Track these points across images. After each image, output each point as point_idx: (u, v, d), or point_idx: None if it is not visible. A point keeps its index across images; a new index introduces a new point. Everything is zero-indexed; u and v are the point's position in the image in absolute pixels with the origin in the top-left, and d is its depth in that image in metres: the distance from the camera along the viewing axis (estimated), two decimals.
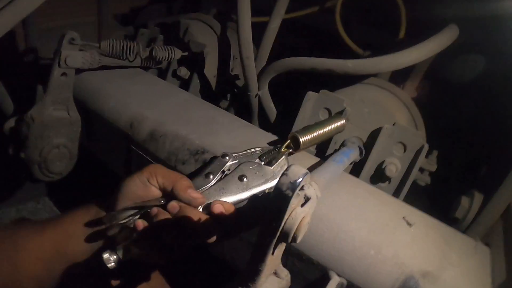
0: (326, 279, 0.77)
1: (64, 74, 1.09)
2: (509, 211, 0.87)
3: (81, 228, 0.75)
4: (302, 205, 0.58)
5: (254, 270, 0.60)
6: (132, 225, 0.69)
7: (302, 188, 0.54)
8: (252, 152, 0.84)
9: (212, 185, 0.76)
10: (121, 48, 1.17)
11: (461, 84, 1.14)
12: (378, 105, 1.02)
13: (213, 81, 1.33)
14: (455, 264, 0.76)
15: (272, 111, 1.12)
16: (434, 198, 1.06)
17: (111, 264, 0.65)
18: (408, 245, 0.77)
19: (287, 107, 1.14)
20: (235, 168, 0.79)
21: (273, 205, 0.53)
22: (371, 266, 0.75)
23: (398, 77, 1.13)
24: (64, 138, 1.17)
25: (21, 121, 1.13)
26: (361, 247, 0.76)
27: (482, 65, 1.06)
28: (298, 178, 0.50)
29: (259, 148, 0.85)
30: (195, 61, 1.30)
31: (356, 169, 1.00)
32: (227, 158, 0.81)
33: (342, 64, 0.93)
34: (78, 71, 1.14)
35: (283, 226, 0.54)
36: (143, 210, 0.71)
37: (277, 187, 0.51)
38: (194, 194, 0.71)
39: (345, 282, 0.76)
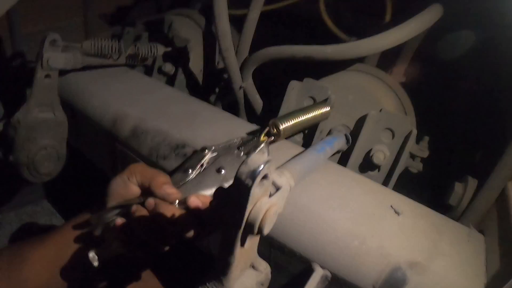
0: (310, 271, 0.74)
1: (47, 76, 1.09)
2: (504, 197, 0.84)
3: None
4: (271, 195, 0.56)
5: (224, 263, 0.58)
6: (113, 224, 0.70)
7: (266, 177, 0.52)
8: (231, 143, 0.82)
9: (190, 179, 0.75)
10: (104, 47, 1.16)
11: (454, 66, 1.11)
12: (364, 91, 1.00)
13: (199, 76, 1.31)
14: (446, 253, 0.74)
15: (258, 102, 1.09)
16: (428, 185, 1.03)
17: (96, 263, 0.66)
18: (395, 235, 0.74)
19: (275, 99, 1.12)
20: (213, 161, 0.78)
21: (234, 196, 0.51)
22: (355, 257, 0.72)
23: (386, 62, 1.10)
24: (51, 139, 1.17)
25: (8, 124, 1.13)
26: (344, 237, 0.73)
27: (472, 40, 1.03)
28: (259, 167, 0.48)
29: (238, 138, 0.83)
30: (179, 57, 1.28)
31: (344, 158, 0.97)
32: (206, 151, 0.80)
33: (321, 50, 0.90)
34: (62, 72, 1.14)
35: (247, 218, 0.52)
36: (124, 209, 0.71)
37: (236, 177, 0.49)
38: (169, 189, 0.70)
39: (329, 274, 0.74)
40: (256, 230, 0.52)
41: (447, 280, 0.69)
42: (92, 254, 0.67)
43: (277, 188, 0.59)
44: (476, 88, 1.12)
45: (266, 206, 0.52)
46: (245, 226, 0.52)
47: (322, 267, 0.74)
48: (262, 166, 0.48)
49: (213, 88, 1.32)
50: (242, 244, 0.57)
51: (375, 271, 0.71)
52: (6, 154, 1.17)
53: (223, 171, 0.76)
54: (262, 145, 0.81)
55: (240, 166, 0.49)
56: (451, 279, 0.70)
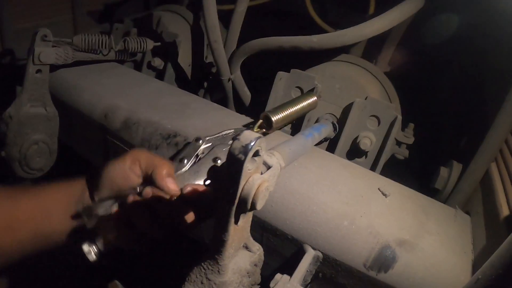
0: (302, 253, 0.76)
1: (38, 71, 1.10)
2: (488, 178, 0.86)
3: (62, 207, 0.73)
4: (262, 174, 0.58)
5: (218, 241, 0.60)
6: (108, 215, 0.68)
7: (258, 154, 0.54)
8: (225, 134, 0.83)
9: (186, 170, 0.75)
10: (94, 42, 1.16)
11: (438, 55, 1.13)
12: (349, 80, 1.02)
13: (188, 70, 1.32)
14: (433, 232, 0.76)
15: (246, 94, 1.11)
16: (414, 171, 1.05)
17: (92, 257, 0.65)
18: (384, 215, 0.77)
19: (263, 91, 1.14)
20: (209, 151, 0.78)
21: (228, 171, 0.52)
22: (345, 237, 0.74)
23: (371, 52, 1.13)
24: (43, 134, 1.17)
25: (0, 120, 1.13)
26: (334, 218, 0.75)
27: (455, 24, 1.05)
28: (250, 142, 0.50)
29: (232, 130, 0.84)
30: (168, 51, 1.29)
31: (332, 146, 1.00)
32: (200, 141, 0.80)
33: (307, 40, 0.92)
34: (53, 67, 1.14)
35: (240, 193, 0.54)
36: (120, 199, 0.69)
37: (230, 152, 0.50)
38: (171, 185, 0.68)
39: (320, 254, 0.76)
40: (249, 205, 0.54)
41: (435, 257, 0.72)
42: (87, 248, 0.65)
43: (268, 167, 0.61)
44: (460, 77, 1.15)
45: (258, 182, 0.54)
46: (238, 201, 0.54)
47: (314, 248, 0.76)
48: (254, 141, 0.50)
49: (201, 82, 1.33)
50: (236, 222, 0.58)
51: (365, 250, 0.73)
52: None
53: (219, 161, 0.76)
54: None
55: (233, 142, 0.50)
56: (440, 256, 0.72)
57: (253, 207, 0.55)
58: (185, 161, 0.76)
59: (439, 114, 1.14)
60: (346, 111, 0.98)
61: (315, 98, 0.92)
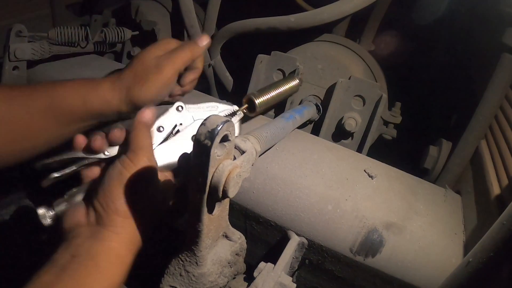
0: (286, 240, 0.74)
1: (15, 68, 1.08)
2: (478, 156, 0.84)
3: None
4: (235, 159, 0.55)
5: (194, 232, 0.58)
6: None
7: (227, 139, 0.51)
8: (207, 107, 0.76)
9: (163, 142, 0.70)
10: (70, 34, 1.13)
11: (425, 33, 1.11)
12: (332, 60, 0.99)
13: None
14: (422, 213, 0.74)
15: (228, 79, 1.08)
16: (403, 151, 1.03)
17: (47, 221, 0.61)
18: (370, 198, 0.74)
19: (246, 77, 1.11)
20: (189, 125, 0.72)
21: (195, 158, 0.50)
22: (329, 221, 0.72)
23: (354, 31, 1.10)
24: None
25: None
26: (317, 203, 0.73)
27: (443, 4, 1.02)
28: (217, 126, 0.47)
29: (216, 105, 0.77)
30: (147, 40, 1.26)
31: (316, 129, 0.97)
32: (181, 110, 0.73)
33: (284, 20, 0.89)
34: (31, 63, 1.11)
35: (210, 181, 0.51)
36: (84, 163, 0.66)
37: (196, 138, 0.48)
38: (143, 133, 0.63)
39: (305, 241, 0.74)
40: (220, 193, 0.52)
41: (425, 239, 0.70)
42: (42, 211, 0.61)
43: (242, 153, 0.59)
44: (447, 54, 1.12)
45: (228, 168, 0.52)
46: (209, 190, 0.52)
47: (298, 234, 0.74)
48: (220, 125, 0.47)
49: None
50: (210, 211, 0.56)
51: (351, 234, 0.71)
52: None
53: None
54: (238, 122, 0.77)
55: (198, 128, 0.48)
56: (429, 238, 0.70)
57: (225, 195, 0.52)
58: (162, 129, 0.71)
59: (427, 92, 1.11)
60: (330, 91, 0.96)
61: (297, 81, 0.90)
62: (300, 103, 0.97)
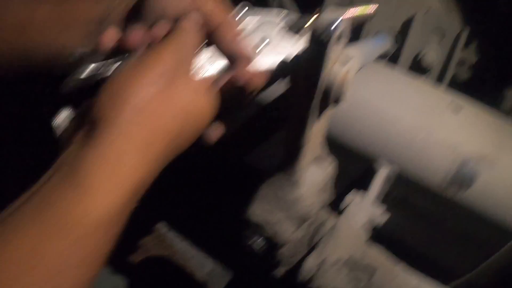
0: (372, 172, 0.69)
1: None
2: None
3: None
4: None
5: (293, 148, 0.53)
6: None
7: (341, 37, 0.46)
8: (275, 12, 0.62)
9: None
10: None
11: None
12: None
13: None
14: None
15: None
16: (477, 93, 0.97)
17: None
18: (460, 128, 0.69)
19: None
20: (257, 27, 0.60)
21: (309, 56, 0.45)
22: (421, 150, 0.67)
23: None
24: None
25: None
26: (408, 131, 0.68)
27: None
28: (335, 21, 0.42)
29: (285, 11, 0.63)
30: None
31: (391, 63, 0.91)
32: (247, 9, 0.61)
33: None
34: None
35: (324, 82, 0.46)
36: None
37: (312, 34, 0.43)
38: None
39: (394, 172, 0.69)
40: (334, 97, 0.47)
41: None
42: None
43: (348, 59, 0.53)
44: None
45: (342, 70, 0.47)
46: (319, 92, 0.47)
47: (386, 165, 0.69)
48: (339, 20, 0.42)
49: None
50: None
51: (443, 164, 0.66)
52: None
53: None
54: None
55: (315, 23, 0.43)
56: None
57: (336, 99, 0.48)
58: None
59: (503, 30, 1.04)
60: (406, 25, 0.90)
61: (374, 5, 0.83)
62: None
